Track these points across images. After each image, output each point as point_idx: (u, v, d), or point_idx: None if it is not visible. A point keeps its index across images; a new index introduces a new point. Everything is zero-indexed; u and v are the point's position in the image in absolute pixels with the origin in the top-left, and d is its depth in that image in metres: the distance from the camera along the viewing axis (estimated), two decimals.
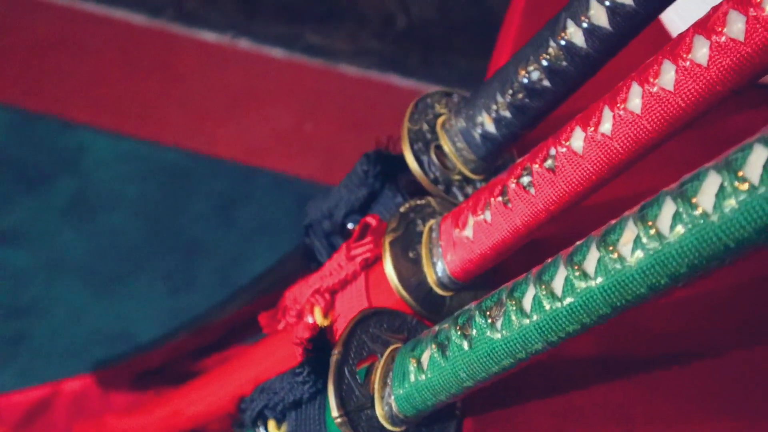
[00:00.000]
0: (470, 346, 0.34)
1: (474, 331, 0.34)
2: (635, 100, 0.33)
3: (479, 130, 0.45)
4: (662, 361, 0.42)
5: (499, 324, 0.33)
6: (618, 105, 0.34)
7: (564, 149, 0.36)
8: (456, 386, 0.35)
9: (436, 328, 0.37)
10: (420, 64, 1.28)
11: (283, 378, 0.44)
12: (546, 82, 0.42)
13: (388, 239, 0.43)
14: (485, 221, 0.40)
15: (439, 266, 0.43)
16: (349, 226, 0.54)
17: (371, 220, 0.47)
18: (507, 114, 0.44)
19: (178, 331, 0.86)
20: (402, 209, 0.45)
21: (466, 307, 0.35)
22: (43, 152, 1.26)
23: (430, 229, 0.44)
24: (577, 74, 0.41)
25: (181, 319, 1.12)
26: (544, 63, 0.41)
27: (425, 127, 0.48)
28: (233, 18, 1.34)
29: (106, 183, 1.25)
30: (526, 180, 0.38)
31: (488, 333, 0.33)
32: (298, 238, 0.64)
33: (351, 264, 0.48)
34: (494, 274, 0.43)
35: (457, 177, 0.47)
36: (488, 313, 0.33)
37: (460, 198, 0.47)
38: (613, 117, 0.34)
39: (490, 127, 0.45)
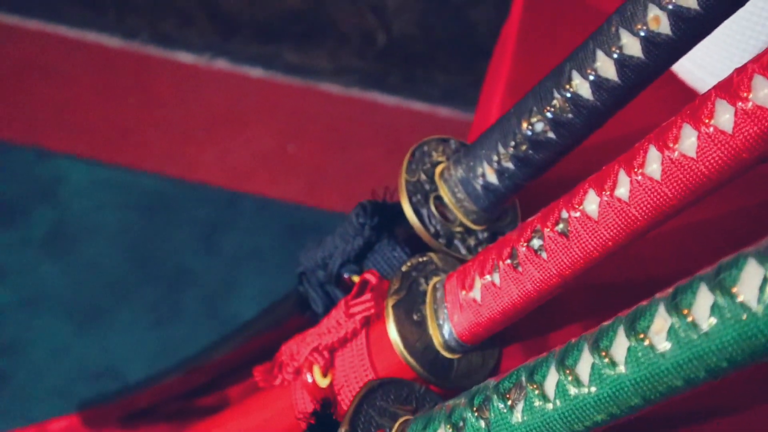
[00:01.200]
0: (488, 431, 0.32)
1: (492, 415, 0.32)
2: (653, 165, 0.31)
3: (480, 181, 0.44)
4: None
5: (519, 408, 0.31)
6: (635, 169, 0.32)
7: (577, 213, 0.34)
8: None
9: (450, 404, 0.35)
10: (402, 81, 1.26)
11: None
12: (551, 134, 0.40)
13: (391, 302, 0.41)
14: (493, 284, 0.38)
15: (446, 328, 0.41)
16: (345, 275, 0.52)
17: (370, 277, 0.45)
18: (510, 165, 0.42)
19: (167, 372, 0.83)
20: (404, 268, 0.43)
21: (482, 385, 0.33)
22: (18, 183, 1.23)
23: (434, 288, 0.42)
24: (583, 126, 0.39)
25: (168, 352, 1.10)
26: (549, 115, 0.39)
27: (423, 177, 0.46)
28: (210, 39, 1.31)
29: (85, 213, 1.22)
30: (536, 243, 0.36)
31: (508, 417, 0.31)
32: (285, 263, 0.62)
33: (350, 322, 0.46)
34: (503, 332, 0.41)
35: (458, 229, 0.45)
36: (507, 395, 0.31)
37: (463, 251, 0.45)
38: (630, 182, 0.32)
39: (492, 178, 0.43)
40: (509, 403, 0.31)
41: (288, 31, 1.28)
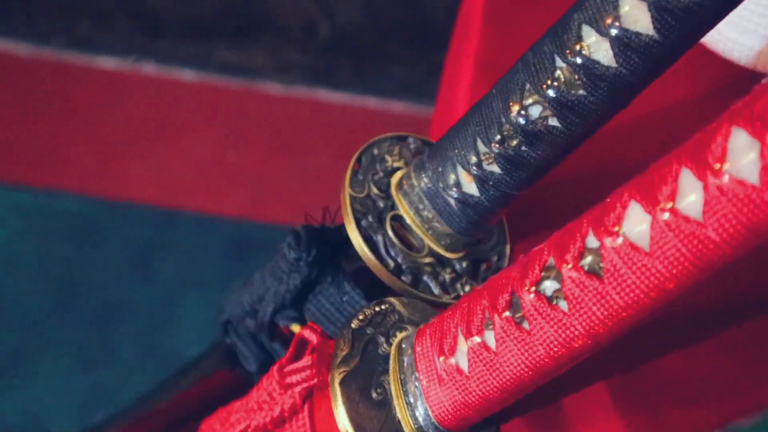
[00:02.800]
0: None
1: None
2: (749, 155, 0.19)
3: (454, 193, 0.31)
4: None
5: None
6: (713, 166, 0.20)
7: (617, 241, 0.22)
8: None
9: None
10: (351, 75, 1.14)
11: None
12: (553, 121, 0.28)
13: (337, 376, 0.29)
14: (486, 348, 0.26)
15: (420, 410, 0.28)
16: (281, 323, 0.40)
17: (309, 335, 0.33)
18: (494, 169, 0.30)
19: None
20: (354, 323, 0.30)
21: None
22: None
23: (400, 350, 0.30)
24: (600, 106, 0.27)
25: (100, 399, 0.96)
26: (550, 93, 0.27)
27: (375, 190, 0.33)
28: (133, 40, 1.18)
29: (1, 243, 1.08)
30: (550, 288, 0.24)
31: None
32: (231, 288, 0.50)
33: (287, 395, 0.33)
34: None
35: (427, 260, 0.33)
36: None
37: (435, 290, 0.33)
38: (705, 187, 0.20)
39: (471, 188, 0.31)
40: None
41: (220, 27, 1.15)
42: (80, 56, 1.19)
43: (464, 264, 0.34)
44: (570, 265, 0.23)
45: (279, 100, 1.17)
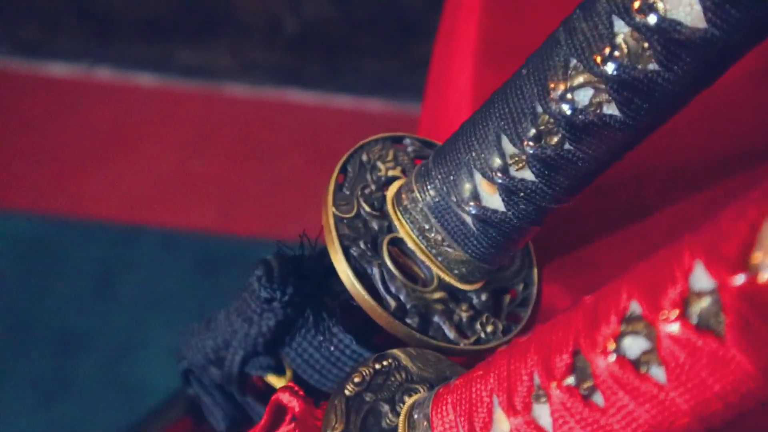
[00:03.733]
0: None
1: None
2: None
3: (472, 208, 0.24)
4: None
5: None
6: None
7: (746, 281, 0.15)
8: None
9: None
10: (321, 72, 1.07)
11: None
12: (610, 108, 0.20)
13: None
14: (537, 428, 0.18)
15: None
16: (253, 373, 0.33)
17: (290, 400, 0.25)
18: (526, 175, 0.22)
19: None
20: (348, 389, 0.23)
21: None
22: None
23: (411, 423, 0.22)
24: (679, 85, 0.19)
25: None
26: (608, 69, 0.20)
27: (366, 208, 0.26)
28: (86, 44, 1.10)
29: None
30: (636, 348, 0.16)
31: None
32: (199, 308, 0.43)
33: None
34: None
35: (437, 295, 0.26)
36: None
37: (449, 333, 0.25)
38: None
39: (494, 202, 0.24)
40: None
41: (179, 27, 1.08)
42: (28, 63, 1.12)
43: (483, 297, 0.26)
44: (670, 315, 0.16)
45: (245, 102, 1.10)
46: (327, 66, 1.05)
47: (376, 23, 1.00)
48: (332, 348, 0.28)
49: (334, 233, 0.25)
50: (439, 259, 0.26)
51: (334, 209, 0.25)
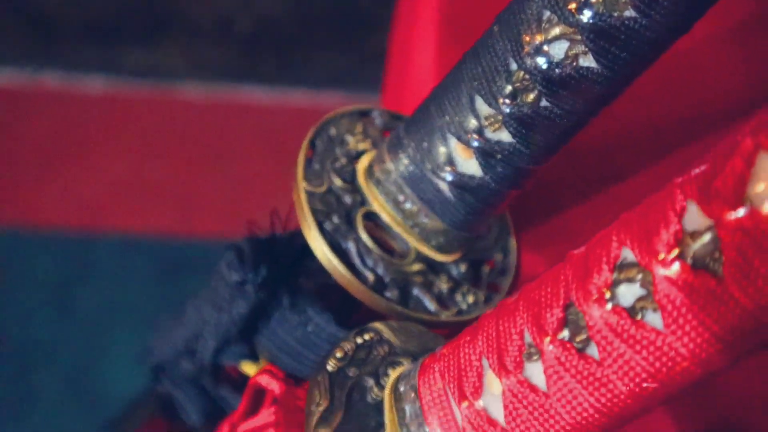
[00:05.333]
0: None
1: None
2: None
3: (447, 174, 0.23)
4: None
5: None
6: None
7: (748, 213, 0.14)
8: None
9: None
10: (274, 69, 1.06)
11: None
12: (587, 60, 0.20)
13: None
14: (532, 388, 0.18)
15: None
16: (227, 363, 0.32)
17: (270, 382, 0.24)
18: (503, 136, 0.22)
19: None
20: (330, 365, 0.22)
21: None
22: None
23: (397, 396, 0.21)
24: (656, 32, 0.19)
25: None
26: (584, 18, 0.19)
27: (337, 182, 0.25)
28: (28, 49, 1.07)
29: None
30: (630, 295, 0.16)
31: None
32: (163, 313, 0.42)
33: None
34: None
35: (415, 267, 0.25)
36: None
37: (430, 305, 0.25)
38: None
39: (470, 166, 0.23)
40: None
41: (127, 26, 1.06)
42: None
43: (462, 268, 0.26)
44: (665, 258, 0.15)
45: (199, 102, 1.08)
46: (281, 62, 1.04)
47: (329, 17, 0.99)
48: (309, 330, 0.27)
49: (306, 208, 0.24)
50: (416, 230, 0.25)
51: (305, 184, 0.25)
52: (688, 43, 0.21)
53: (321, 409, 0.21)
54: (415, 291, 0.25)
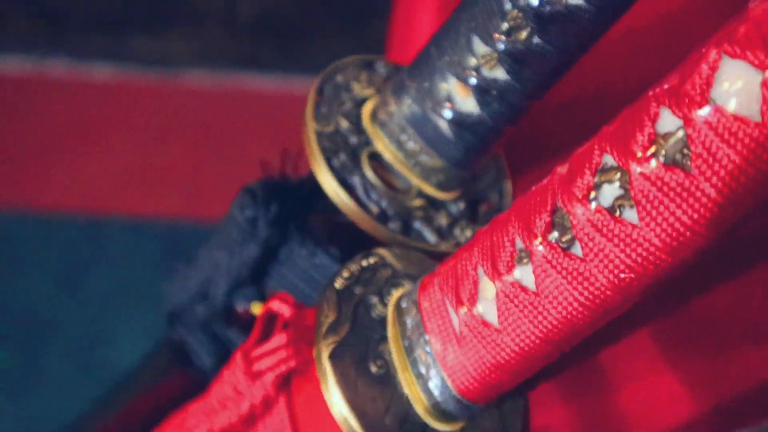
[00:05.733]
0: None
1: None
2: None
3: (447, 113, 0.25)
4: None
5: None
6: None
7: (710, 112, 0.16)
8: None
9: None
10: (277, 56, 1.07)
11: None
12: None
13: (325, 350, 0.22)
14: (523, 289, 0.20)
15: (435, 381, 0.22)
16: (238, 306, 0.33)
17: (281, 306, 0.26)
18: (498, 74, 0.24)
19: None
20: (338, 283, 0.24)
21: None
22: None
23: (399, 311, 0.23)
24: None
25: (33, 426, 0.88)
26: None
27: (344, 124, 0.27)
28: (36, 38, 1.09)
29: None
30: (610, 195, 0.18)
31: None
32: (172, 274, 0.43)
33: (257, 386, 0.27)
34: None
35: (416, 202, 0.27)
36: None
37: (430, 237, 0.27)
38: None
39: (468, 104, 0.25)
40: None
41: (134, 14, 1.08)
42: None
43: (460, 205, 0.28)
44: (643, 153, 0.17)
45: (203, 90, 1.09)
46: (284, 50, 1.05)
47: (331, 5, 1.01)
48: (317, 262, 0.29)
49: (315, 146, 0.26)
50: (417, 169, 0.27)
51: (314, 124, 0.27)
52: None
53: (329, 320, 0.23)
54: (417, 224, 0.27)
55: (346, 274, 0.24)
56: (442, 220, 0.27)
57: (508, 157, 0.30)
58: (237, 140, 1.07)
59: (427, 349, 0.22)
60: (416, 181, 0.27)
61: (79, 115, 1.09)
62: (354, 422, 0.22)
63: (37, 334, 0.93)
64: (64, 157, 1.06)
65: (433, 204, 0.27)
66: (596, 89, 0.31)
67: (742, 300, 0.27)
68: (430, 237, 0.27)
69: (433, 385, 0.22)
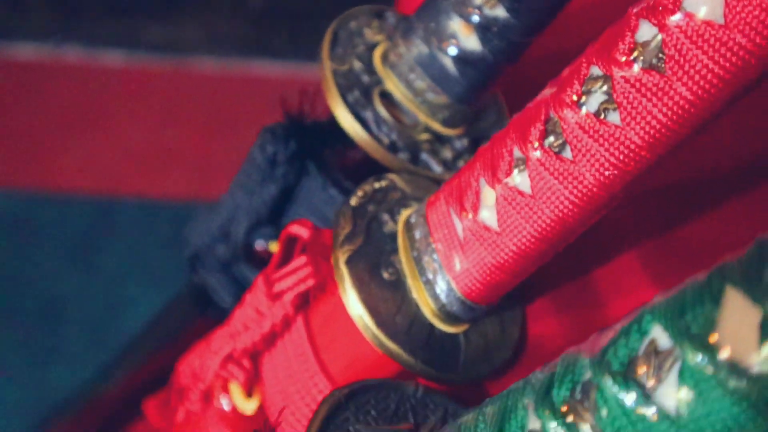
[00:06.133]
0: None
1: (603, 412, 0.16)
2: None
3: (453, 50, 0.28)
4: None
5: (660, 395, 0.15)
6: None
7: (680, 20, 0.18)
8: None
9: (494, 413, 0.19)
10: (287, 42, 1.09)
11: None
12: None
13: (342, 256, 0.25)
14: (520, 193, 0.22)
15: (441, 285, 0.25)
16: (259, 245, 0.36)
17: (299, 229, 0.28)
18: (499, 12, 0.26)
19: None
20: (353, 200, 0.26)
21: (559, 365, 0.17)
22: None
23: (408, 226, 0.26)
24: None
25: (48, 398, 0.90)
26: None
27: (357, 64, 0.30)
28: (51, 23, 1.11)
29: None
30: (596, 101, 0.20)
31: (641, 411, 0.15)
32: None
33: (277, 306, 0.29)
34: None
35: (424, 136, 0.29)
36: (631, 374, 0.15)
37: (436, 168, 0.29)
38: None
39: (471, 42, 0.27)
40: (636, 388, 0.15)
41: (144, 3, 1.10)
42: None
43: (464, 142, 0.30)
44: (624, 59, 0.19)
45: (213, 75, 1.12)
46: (292, 36, 1.08)
47: None
48: (332, 194, 0.31)
49: (331, 82, 0.29)
50: (424, 106, 0.29)
51: (331, 63, 0.29)
52: None
53: (345, 231, 0.25)
54: (424, 156, 0.29)
55: (360, 193, 0.26)
56: (447, 154, 0.29)
57: (508, 102, 0.33)
58: (245, 124, 1.10)
59: (434, 257, 0.25)
60: (423, 118, 0.29)
61: (92, 99, 1.11)
62: (368, 320, 0.24)
63: (53, 308, 0.95)
64: (78, 140, 1.08)
65: (438, 139, 0.30)
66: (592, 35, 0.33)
67: (726, 227, 0.29)
68: (436, 167, 0.29)
69: (440, 289, 0.25)
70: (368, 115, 0.29)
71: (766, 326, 0.14)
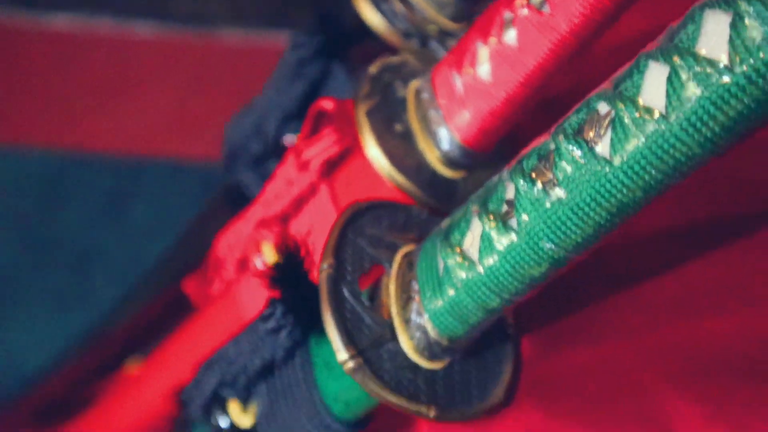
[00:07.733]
0: (564, 187, 0.21)
1: (567, 169, 0.21)
2: None
3: None
4: None
5: (605, 143, 0.20)
6: None
7: None
8: (535, 265, 0.22)
9: (481, 193, 0.24)
10: (307, 15, 1.13)
11: (239, 340, 0.30)
12: None
13: (362, 108, 0.30)
14: (508, 47, 0.27)
15: (443, 135, 0.30)
16: (287, 141, 0.41)
17: (326, 104, 0.34)
18: None
19: (75, 348, 0.70)
20: (372, 68, 0.31)
21: (535, 145, 0.22)
22: None
23: (417, 92, 0.31)
24: None
25: (69, 340, 0.95)
26: None
27: None
28: None
29: None
30: None
31: (594, 157, 0.20)
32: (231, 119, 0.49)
33: (305, 174, 0.34)
34: (514, 137, 0.30)
35: (433, 28, 0.34)
36: (581, 134, 0.20)
37: (443, 53, 0.34)
38: None
39: None
40: (587, 143, 0.20)
41: None
42: (29, 16, 1.17)
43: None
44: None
45: (237, 47, 1.17)
46: (314, 9, 1.13)
47: None
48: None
49: None
50: (432, 3, 0.34)
51: None
52: None
53: (365, 91, 0.30)
54: (432, 43, 0.34)
55: (379, 63, 0.31)
56: (452, 44, 0.34)
57: None
58: None
59: (438, 113, 0.30)
60: (432, 13, 0.34)
61: (122, 68, 1.17)
62: (384, 161, 0.29)
63: (85, 259, 1.01)
64: (109, 106, 1.14)
65: (444, 33, 0.35)
66: None
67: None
68: (443, 53, 0.34)
69: (443, 139, 0.30)
70: (386, 8, 0.34)
71: (672, 79, 0.19)
